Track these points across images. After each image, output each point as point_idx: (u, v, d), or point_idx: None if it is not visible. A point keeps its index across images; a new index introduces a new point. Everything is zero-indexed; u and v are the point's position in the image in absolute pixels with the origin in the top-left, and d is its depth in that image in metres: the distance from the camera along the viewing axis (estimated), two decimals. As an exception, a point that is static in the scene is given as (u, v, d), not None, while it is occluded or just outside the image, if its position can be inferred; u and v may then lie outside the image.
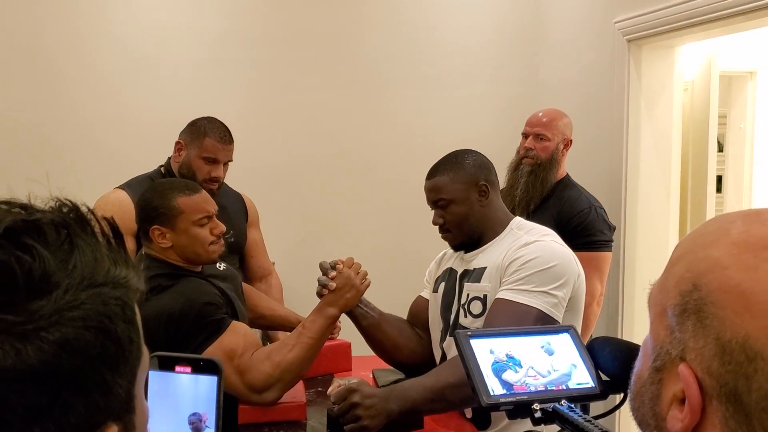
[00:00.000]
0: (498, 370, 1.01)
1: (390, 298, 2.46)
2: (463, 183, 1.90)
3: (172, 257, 1.92)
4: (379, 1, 3.81)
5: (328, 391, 1.95)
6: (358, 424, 1.56)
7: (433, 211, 1.96)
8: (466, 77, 3.88)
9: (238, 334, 1.83)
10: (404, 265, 3.62)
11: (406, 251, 3.76)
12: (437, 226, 1.96)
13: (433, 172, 1.94)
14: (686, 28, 2.88)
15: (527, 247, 1.81)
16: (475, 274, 1.89)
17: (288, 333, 2.55)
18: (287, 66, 3.68)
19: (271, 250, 3.02)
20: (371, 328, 2.02)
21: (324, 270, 1.94)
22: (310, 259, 3.69)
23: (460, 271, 1.95)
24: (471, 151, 1.99)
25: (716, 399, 0.56)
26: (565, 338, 1.08)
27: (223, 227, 1.98)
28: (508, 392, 0.99)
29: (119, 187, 2.42)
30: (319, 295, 1.93)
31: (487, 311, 1.81)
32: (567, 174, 2.98)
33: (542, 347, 1.07)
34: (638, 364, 0.65)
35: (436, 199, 1.92)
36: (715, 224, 0.63)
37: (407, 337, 2.06)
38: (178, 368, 0.81)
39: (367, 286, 1.96)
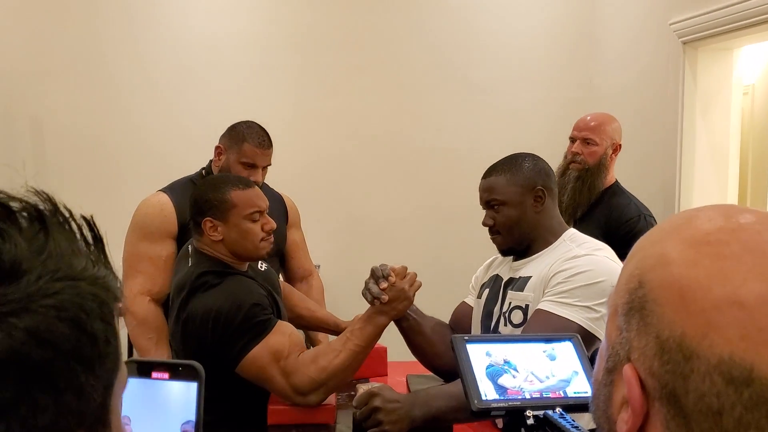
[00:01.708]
0: (493, 373, 0.99)
1: (433, 304, 2.43)
2: (519, 186, 1.84)
3: (222, 252, 1.94)
4: (429, 5, 3.80)
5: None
6: (380, 428, 1.55)
7: (485, 212, 1.90)
8: (518, 82, 3.83)
9: (284, 335, 1.84)
10: (448, 271, 3.59)
11: (451, 257, 3.73)
12: (487, 228, 1.91)
13: (490, 172, 1.89)
14: (745, 28, 2.76)
15: (576, 259, 1.74)
16: (519, 283, 1.84)
17: (326, 335, 2.58)
18: (334, 71, 3.71)
19: (316, 253, 3.04)
20: (411, 330, 1.99)
21: (376, 277, 1.89)
22: (354, 263, 3.72)
23: (505, 279, 1.91)
24: (532, 155, 1.93)
25: (658, 401, 0.54)
26: (567, 346, 1.05)
27: (273, 224, 1.97)
28: (501, 397, 0.97)
29: (161, 190, 2.47)
30: (369, 302, 1.89)
31: (527, 321, 1.77)
32: (616, 181, 2.90)
33: (545, 352, 1.05)
34: (595, 366, 0.63)
35: (489, 199, 1.86)
36: (669, 221, 0.61)
37: (447, 343, 2.02)
38: (154, 374, 0.80)
39: (419, 287, 1.92)
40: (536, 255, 1.86)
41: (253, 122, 2.47)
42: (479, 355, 1.01)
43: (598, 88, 3.81)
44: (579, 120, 2.91)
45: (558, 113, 3.71)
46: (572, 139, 2.90)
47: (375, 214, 3.79)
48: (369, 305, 1.90)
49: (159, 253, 2.37)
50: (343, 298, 3.00)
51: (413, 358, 2.10)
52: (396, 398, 1.62)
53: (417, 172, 3.80)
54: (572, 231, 1.91)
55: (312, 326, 2.48)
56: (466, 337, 1.04)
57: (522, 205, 1.84)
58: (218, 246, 1.93)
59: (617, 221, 2.76)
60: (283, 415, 1.92)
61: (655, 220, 2.78)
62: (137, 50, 3.58)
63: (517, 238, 1.87)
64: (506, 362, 1.01)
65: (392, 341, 2.13)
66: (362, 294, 1.91)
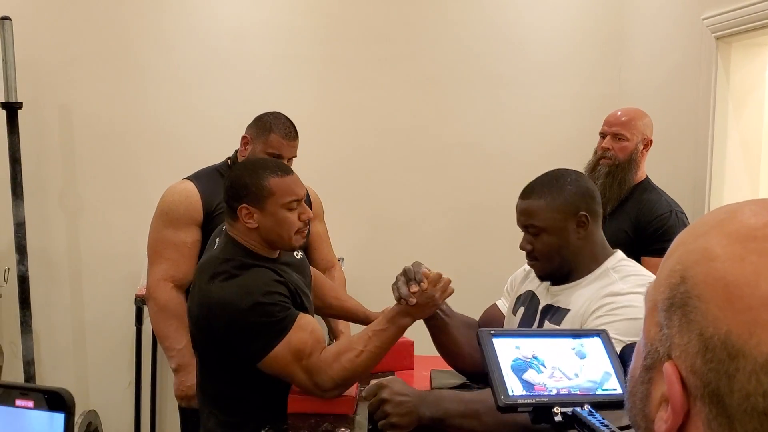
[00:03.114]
0: (518, 368, 0.97)
1: (455, 301, 2.41)
2: (560, 212, 1.71)
3: (254, 240, 1.89)
4: (456, -2, 3.76)
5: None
6: (387, 420, 1.54)
7: (523, 234, 1.79)
8: (547, 76, 3.78)
9: (305, 332, 1.82)
10: (471, 268, 3.57)
11: (475, 253, 3.70)
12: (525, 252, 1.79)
13: (529, 193, 1.75)
14: (781, 24, 2.70)
15: (619, 297, 1.63)
16: (557, 315, 1.74)
17: (348, 324, 2.57)
18: (360, 63, 3.69)
19: (340, 246, 3.04)
20: (437, 329, 1.97)
21: (408, 278, 1.82)
22: (377, 257, 3.72)
23: (543, 304, 1.81)
24: (575, 172, 1.80)
25: (700, 400, 0.52)
26: (596, 342, 1.03)
27: (310, 213, 1.94)
28: (528, 393, 0.95)
29: (187, 178, 2.49)
30: (396, 299, 1.85)
31: None
32: (647, 177, 2.86)
33: (573, 349, 1.03)
34: (632, 363, 0.62)
35: (528, 224, 1.74)
36: (712, 215, 0.59)
37: (473, 346, 1.95)
38: (18, 402, 0.72)
39: (450, 293, 1.89)
40: (575, 282, 1.75)
41: (280, 113, 2.47)
42: (506, 350, 0.99)
43: (628, 83, 3.76)
44: (609, 115, 2.88)
45: (587, 108, 3.67)
46: (602, 135, 2.87)
47: (399, 208, 3.77)
48: (396, 301, 1.86)
49: (184, 239, 2.39)
50: (366, 292, 2.99)
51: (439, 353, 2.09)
52: (405, 392, 1.60)
53: (442, 167, 3.77)
54: (617, 257, 1.77)
55: (340, 316, 2.48)
56: (493, 331, 1.03)
57: (563, 232, 1.71)
58: (252, 234, 1.89)
59: (648, 217, 2.73)
60: (303, 404, 1.93)
61: (686, 216, 2.74)
62: (164, 40, 3.60)
63: (557, 265, 1.75)
64: (534, 357, 0.99)
65: (419, 335, 2.12)
66: (391, 287, 1.86)
